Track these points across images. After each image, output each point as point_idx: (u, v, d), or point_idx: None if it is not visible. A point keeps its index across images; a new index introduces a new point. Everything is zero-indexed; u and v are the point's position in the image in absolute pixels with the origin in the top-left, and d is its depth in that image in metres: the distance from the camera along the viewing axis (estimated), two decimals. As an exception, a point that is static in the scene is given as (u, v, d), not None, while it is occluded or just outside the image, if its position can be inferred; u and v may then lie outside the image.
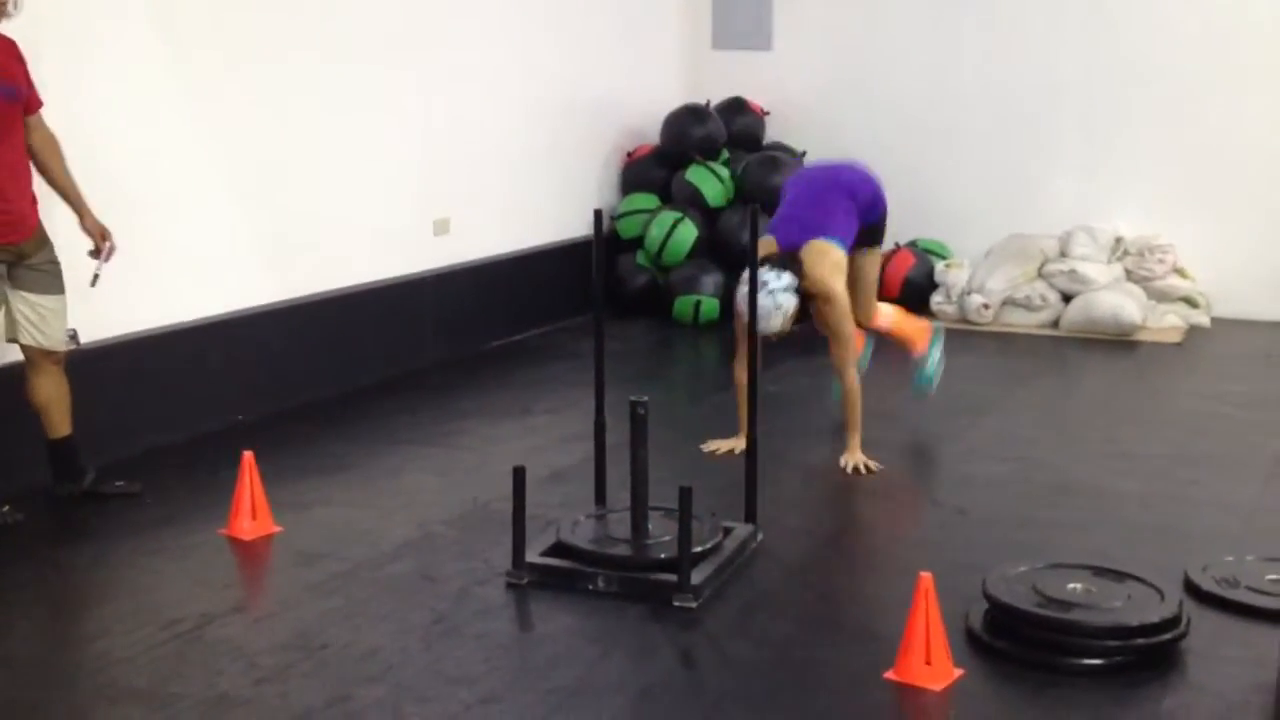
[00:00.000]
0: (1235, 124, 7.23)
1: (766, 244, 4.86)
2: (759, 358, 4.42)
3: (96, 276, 4.49)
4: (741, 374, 4.80)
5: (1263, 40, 7.14)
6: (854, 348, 4.97)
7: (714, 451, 5.01)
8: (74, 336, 4.74)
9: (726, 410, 5.25)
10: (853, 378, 4.91)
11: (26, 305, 4.32)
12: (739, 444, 4.77)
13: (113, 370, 4.93)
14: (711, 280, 7.24)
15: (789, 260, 4.75)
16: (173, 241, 5.20)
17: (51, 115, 4.61)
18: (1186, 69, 7.30)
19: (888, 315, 5.46)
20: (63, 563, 4.02)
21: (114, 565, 3.99)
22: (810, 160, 7.81)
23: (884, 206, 5.19)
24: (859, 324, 5.15)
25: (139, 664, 3.34)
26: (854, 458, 4.88)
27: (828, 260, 4.82)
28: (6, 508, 4.29)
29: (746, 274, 4.51)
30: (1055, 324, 7.20)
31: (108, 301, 4.91)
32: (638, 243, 7.54)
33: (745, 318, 4.49)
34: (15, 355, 4.48)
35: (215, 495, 4.42)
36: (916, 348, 5.48)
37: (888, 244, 7.67)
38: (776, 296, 4.64)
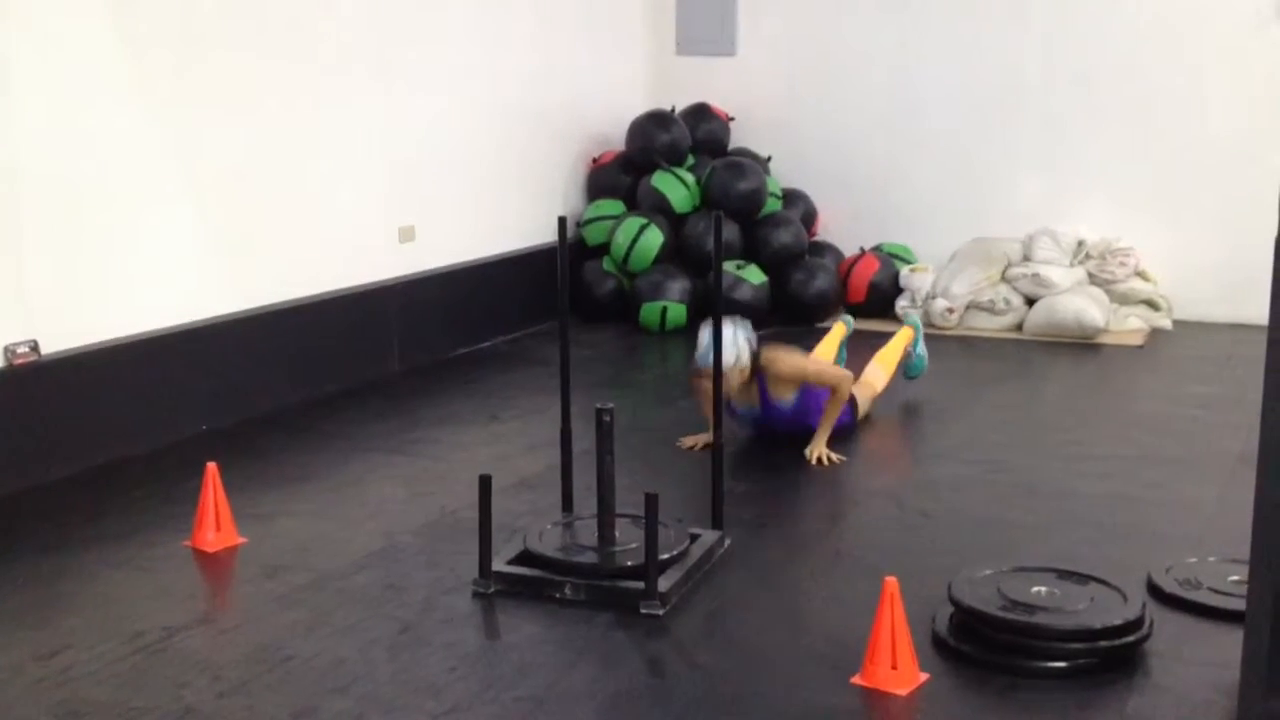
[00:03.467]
0: (1196, 127, 7.30)
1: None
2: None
3: None
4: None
5: (1223, 45, 7.20)
6: (846, 390, 5.07)
7: (692, 446, 5.07)
8: (35, 347, 4.72)
9: (694, 416, 5.26)
10: (847, 392, 5.09)
11: None
12: (705, 438, 4.92)
13: (74, 381, 4.89)
14: (678, 286, 7.25)
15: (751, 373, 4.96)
16: (135, 251, 5.17)
17: (13, 124, 4.59)
18: (1147, 73, 7.37)
19: (879, 376, 5.62)
20: (23, 576, 3.98)
21: (76, 578, 3.96)
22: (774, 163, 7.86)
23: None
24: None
25: (102, 677, 3.31)
26: (819, 449, 4.97)
27: (787, 360, 5.01)
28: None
29: (704, 327, 4.67)
30: (1019, 327, 7.25)
31: (69, 312, 4.89)
32: (604, 249, 7.54)
33: (699, 348, 4.78)
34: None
35: (179, 507, 4.40)
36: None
37: (853, 248, 7.78)
38: (739, 347, 4.82)
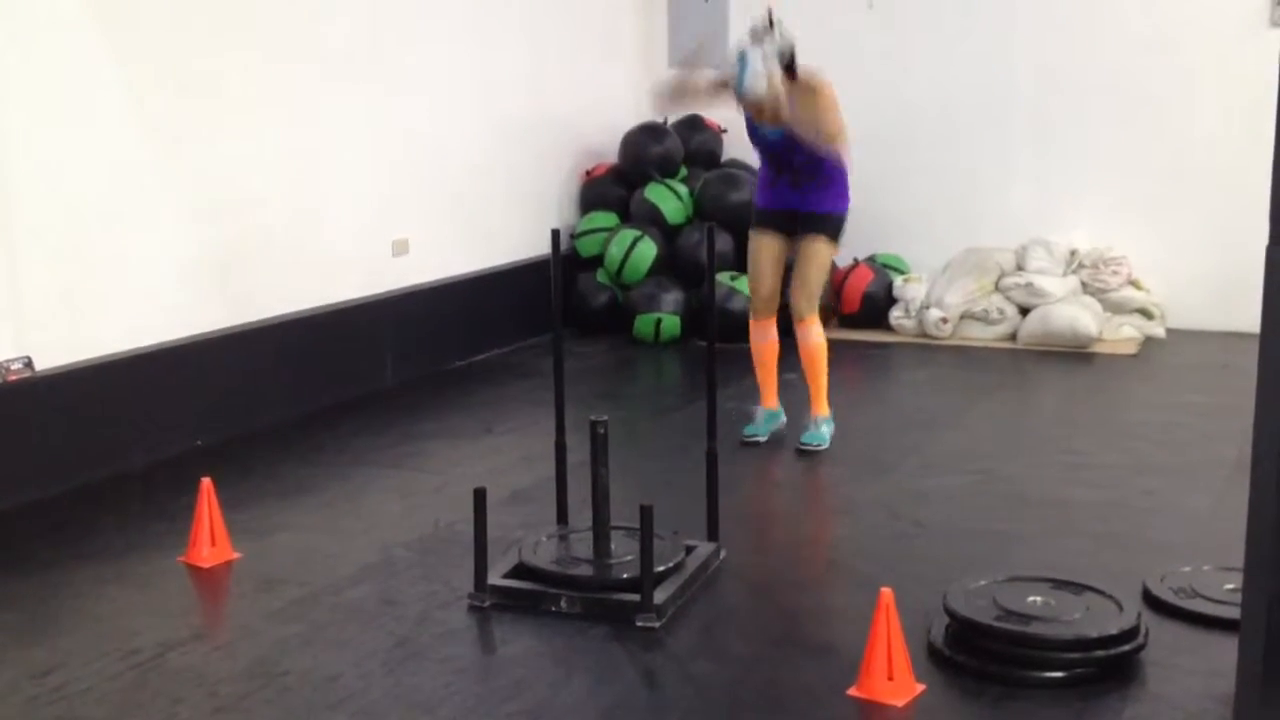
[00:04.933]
0: (1188, 135, 7.32)
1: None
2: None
3: None
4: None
5: (1213, 53, 7.22)
6: (843, 133, 5.11)
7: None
8: (29, 364, 4.72)
9: (688, 427, 5.25)
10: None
11: None
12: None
13: (68, 397, 4.89)
14: (672, 298, 7.26)
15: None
16: (129, 266, 5.17)
17: (7, 141, 4.60)
18: (1138, 82, 7.39)
19: (819, 342, 5.30)
20: (17, 592, 3.97)
21: (71, 594, 3.95)
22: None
23: (848, 204, 5.37)
24: (798, 310, 5.23)
25: (97, 694, 3.31)
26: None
27: (825, 86, 5.01)
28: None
29: (744, 53, 4.83)
30: (1013, 337, 7.25)
31: (63, 328, 4.89)
32: (597, 261, 7.55)
33: (735, 75, 4.84)
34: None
35: (173, 522, 4.39)
36: (817, 407, 5.36)
37: (846, 259, 7.79)
38: (768, 56, 4.81)
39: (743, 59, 4.83)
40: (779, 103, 4.89)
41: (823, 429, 5.30)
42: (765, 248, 5.31)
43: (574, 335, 7.18)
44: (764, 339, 5.42)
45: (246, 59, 5.63)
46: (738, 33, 8.14)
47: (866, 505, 4.76)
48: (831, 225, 5.25)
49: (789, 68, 4.91)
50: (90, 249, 5.01)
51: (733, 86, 4.94)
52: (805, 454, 5.23)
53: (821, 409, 5.33)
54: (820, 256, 5.24)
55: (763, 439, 5.39)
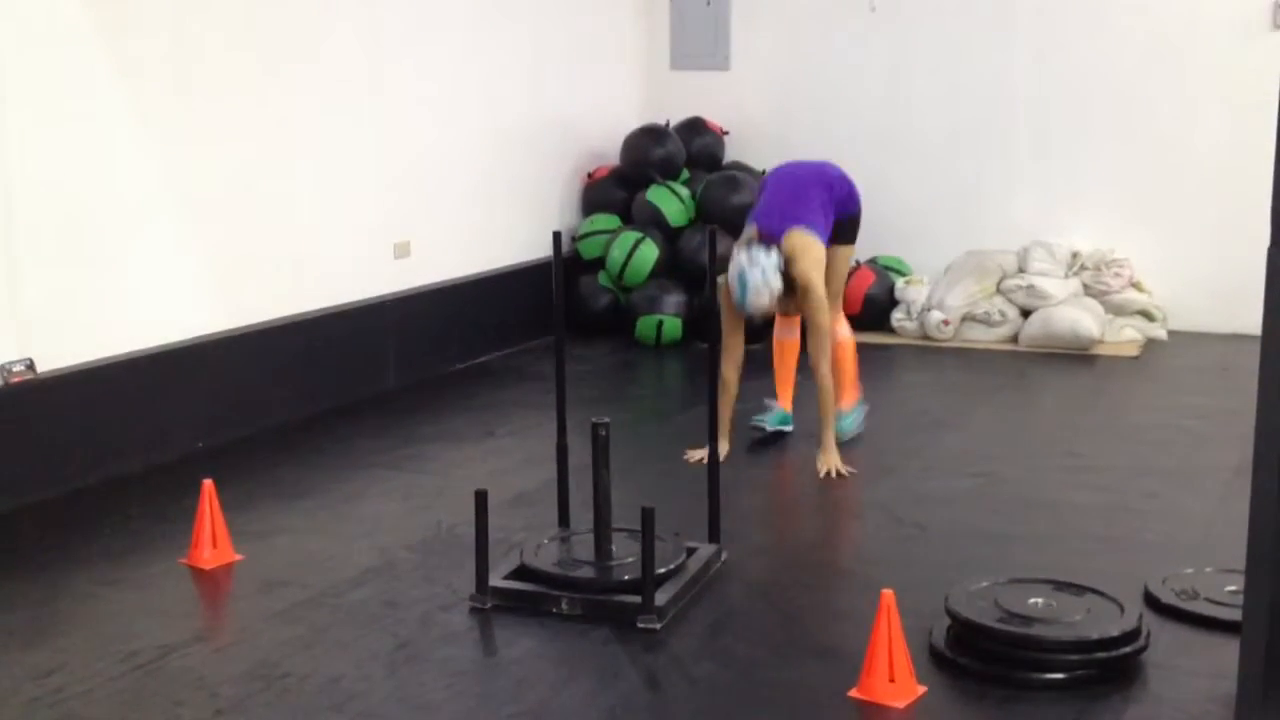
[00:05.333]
0: (1189, 137, 7.32)
1: (747, 232, 5.09)
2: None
3: None
4: (730, 372, 5.05)
5: (1215, 56, 7.22)
6: (829, 339, 5.08)
7: (700, 460, 4.98)
8: (31, 366, 4.72)
9: (689, 430, 5.25)
10: (826, 372, 5.02)
11: None
12: (723, 447, 4.88)
13: (70, 399, 4.89)
14: (674, 300, 7.25)
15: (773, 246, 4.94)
16: (131, 268, 5.17)
17: (9, 143, 4.60)
18: (1139, 84, 7.39)
19: (846, 338, 5.45)
20: (18, 594, 3.97)
21: (72, 596, 3.95)
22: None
23: (859, 204, 5.37)
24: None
25: (98, 696, 3.31)
26: (830, 460, 4.98)
27: (810, 255, 4.98)
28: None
29: (739, 252, 4.83)
30: (1014, 339, 7.25)
31: (65, 330, 4.89)
32: (599, 263, 7.54)
33: (735, 297, 4.83)
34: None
35: (175, 524, 4.39)
36: (842, 400, 5.39)
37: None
38: (767, 274, 4.82)
39: (742, 280, 4.82)
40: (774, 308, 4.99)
41: (845, 420, 5.37)
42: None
43: (575, 338, 7.17)
44: (785, 335, 5.48)
45: (249, 60, 5.63)
46: (738, 34, 8.18)
47: (868, 507, 4.76)
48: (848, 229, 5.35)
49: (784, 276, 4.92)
50: (92, 252, 5.01)
51: (733, 301, 4.94)
52: (763, 437, 5.38)
53: (845, 402, 5.41)
54: (840, 257, 5.29)
55: (767, 429, 5.41)
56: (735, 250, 4.95)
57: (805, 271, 4.95)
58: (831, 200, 5.20)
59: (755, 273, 4.81)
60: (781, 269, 4.89)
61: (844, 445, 5.20)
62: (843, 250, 5.31)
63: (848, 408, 5.45)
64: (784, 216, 5.07)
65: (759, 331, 5.65)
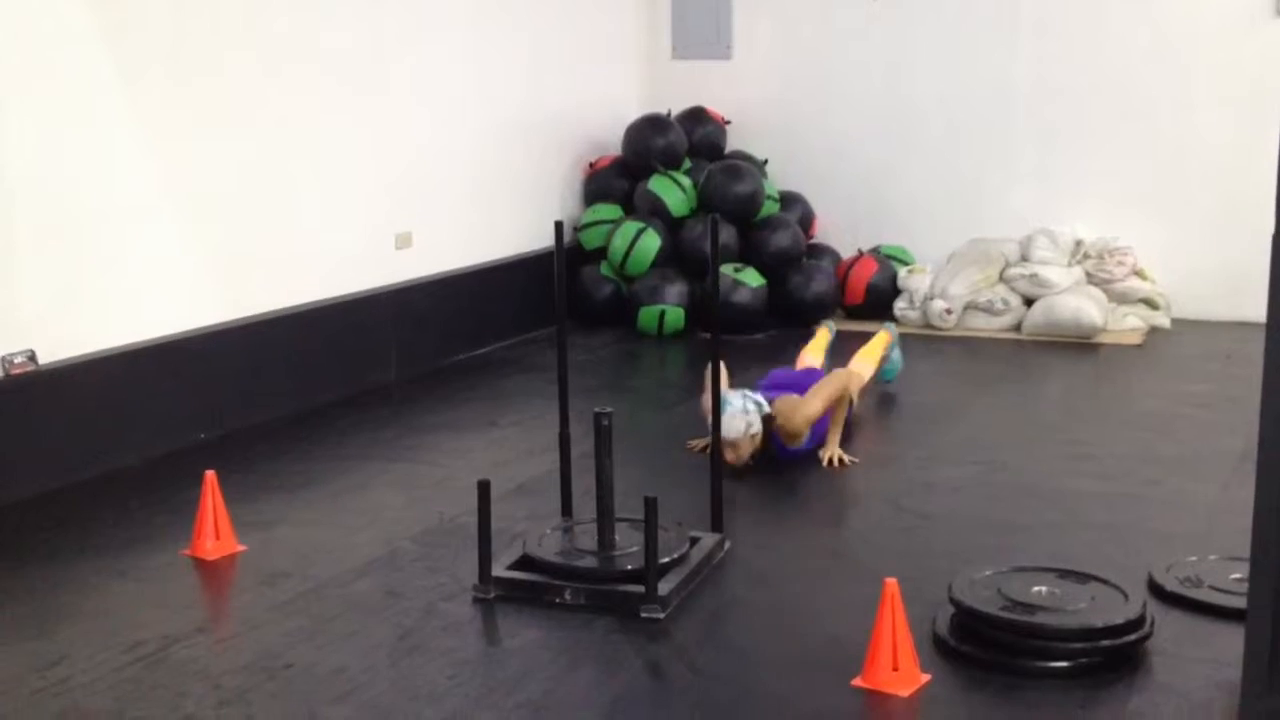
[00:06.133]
0: (1192, 124, 7.30)
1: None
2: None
3: None
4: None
5: (1217, 44, 7.20)
6: (854, 388, 5.23)
7: (703, 449, 4.97)
8: (32, 357, 4.72)
9: (692, 420, 5.25)
10: (846, 383, 5.11)
11: None
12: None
13: (72, 391, 4.88)
14: (675, 290, 7.24)
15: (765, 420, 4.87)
16: (131, 260, 5.16)
17: (8, 136, 4.59)
18: (1141, 71, 7.37)
19: (865, 368, 5.62)
20: (21, 586, 3.97)
21: (74, 588, 3.95)
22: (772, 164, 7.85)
23: None
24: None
25: (100, 688, 3.30)
26: (832, 450, 4.99)
27: (799, 413, 4.86)
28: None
29: (729, 407, 4.69)
30: (1017, 327, 7.24)
31: (66, 322, 4.88)
32: (601, 253, 7.54)
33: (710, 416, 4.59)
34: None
35: (177, 516, 4.39)
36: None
37: (850, 250, 7.78)
38: (749, 415, 4.74)
39: (725, 401, 4.67)
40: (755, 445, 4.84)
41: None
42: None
43: (577, 328, 7.17)
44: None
45: (249, 53, 5.62)
46: (740, 23, 8.16)
47: (871, 496, 4.75)
48: None
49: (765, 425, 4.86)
50: (94, 243, 5.01)
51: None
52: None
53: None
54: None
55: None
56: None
57: (798, 426, 4.82)
58: None
59: (737, 399, 4.74)
60: (765, 414, 4.82)
61: (847, 432, 5.19)
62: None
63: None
64: (778, 389, 5.08)
65: (776, 314, 5.56)
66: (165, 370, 5.26)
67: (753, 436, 4.80)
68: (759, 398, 4.86)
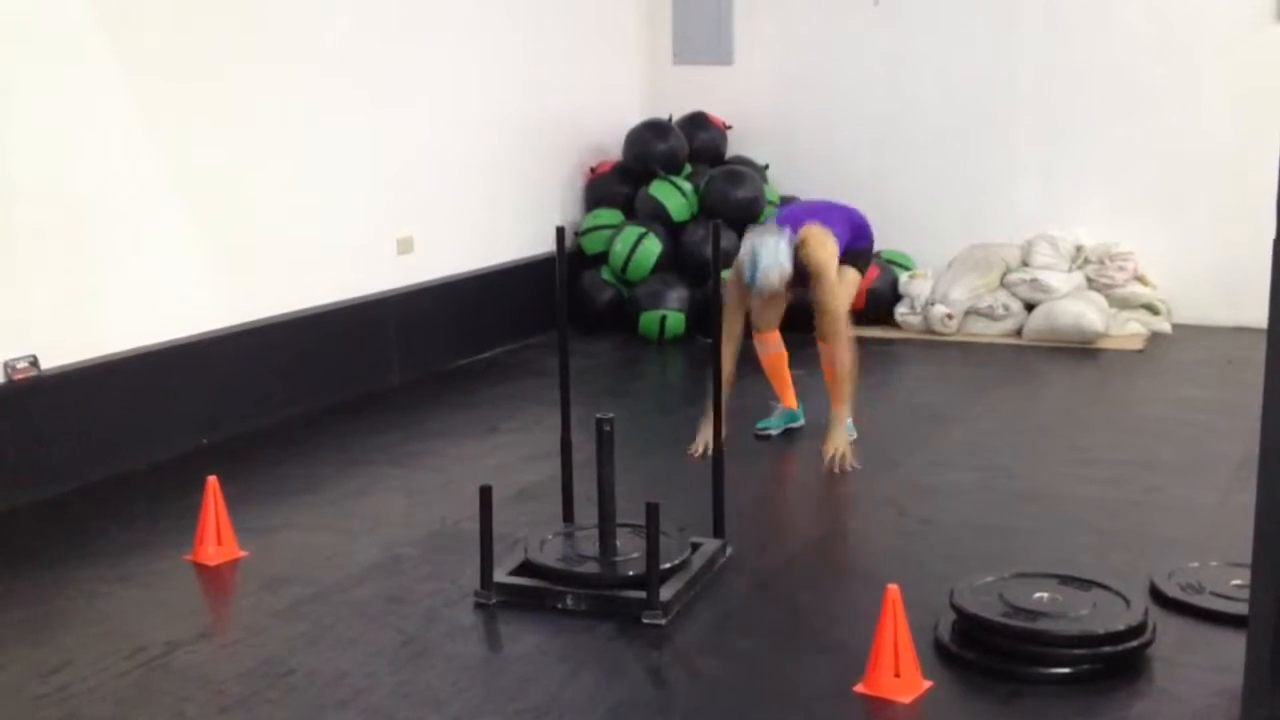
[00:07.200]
0: (1193, 130, 7.30)
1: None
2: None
3: None
4: (728, 361, 4.99)
5: (1218, 47, 7.21)
6: (845, 322, 5.14)
7: (703, 454, 4.89)
8: (34, 363, 4.72)
9: (693, 425, 5.24)
10: (845, 358, 5.07)
11: None
12: (706, 433, 4.87)
13: (74, 396, 4.89)
14: (676, 295, 7.25)
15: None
16: (134, 265, 5.17)
17: (12, 141, 4.60)
18: (1142, 77, 7.37)
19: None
20: (23, 591, 3.97)
21: (76, 593, 3.95)
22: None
23: (872, 241, 5.43)
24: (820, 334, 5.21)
25: (103, 693, 3.31)
26: (838, 440, 5.00)
27: (827, 248, 5.05)
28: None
29: (752, 236, 4.95)
30: (1018, 333, 7.24)
31: (69, 327, 4.89)
32: (602, 258, 7.54)
33: (745, 274, 4.89)
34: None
35: (179, 521, 4.39)
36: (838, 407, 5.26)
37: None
38: (779, 254, 4.90)
39: (754, 259, 4.89)
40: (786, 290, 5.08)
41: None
42: (766, 303, 5.28)
43: (578, 333, 7.17)
44: (770, 350, 5.46)
45: (250, 58, 5.62)
46: (741, 28, 8.17)
47: (873, 502, 4.75)
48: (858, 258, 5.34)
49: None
50: (95, 248, 5.01)
51: (744, 278, 4.98)
52: (761, 439, 5.35)
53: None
54: (847, 278, 5.25)
55: (774, 433, 5.40)
56: (747, 236, 5.05)
57: (819, 257, 5.01)
58: (849, 224, 5.26)
59: (768, 251, 4.88)
60: (793, 255, 4.95)
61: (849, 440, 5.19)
62: (850, 272, 5.30)
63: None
64: (802, 217, 5.18)
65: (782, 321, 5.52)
66: (167, 375, 5.26)
67: (782, 276, 4.94)
68: (784, 239, 4.95)
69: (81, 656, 3.51)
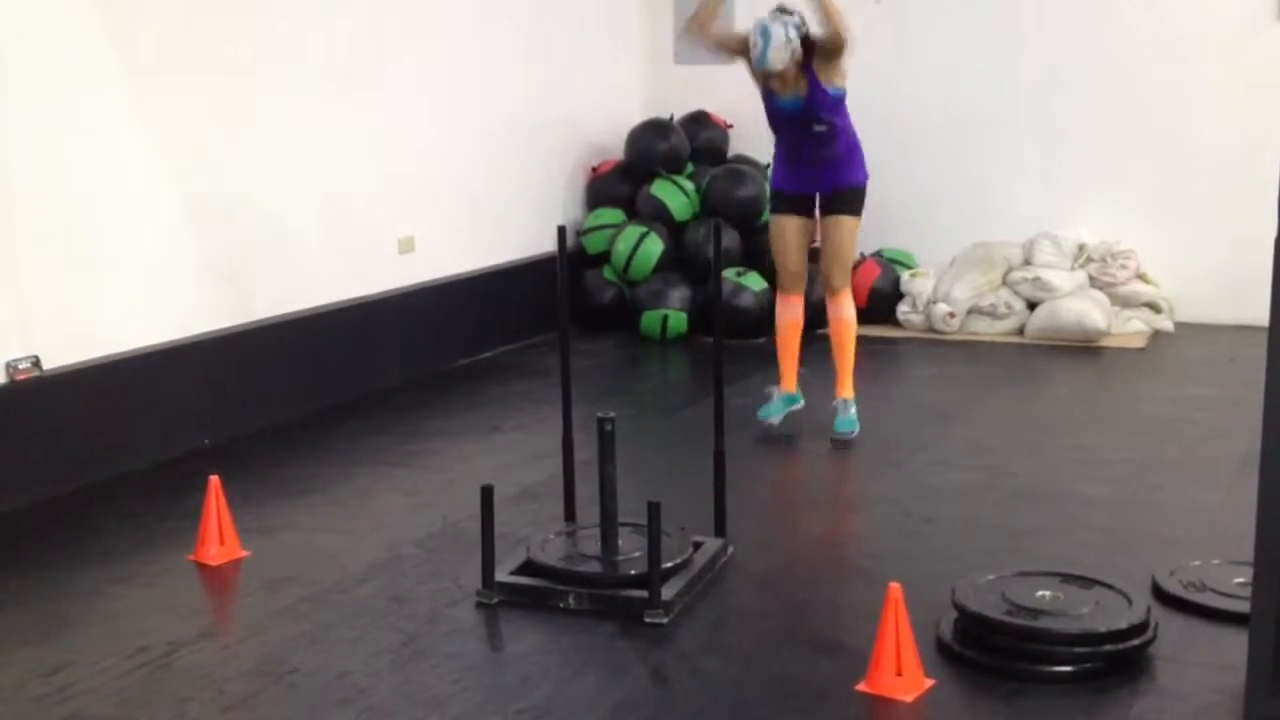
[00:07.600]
0: (1194, 128, 7.29)
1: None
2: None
3: None
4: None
5: (1218, 46, 7.20)
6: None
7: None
8: (36, 363, 4.72)
9: (696, 424, 5.24)
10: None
11: None
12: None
13: (76, 396, 4.89)
14: (678, 294, 7.25)
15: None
16: (135, 265, 5.17)
17: (12, 141, 4.60)
18: (1144, 75, 7.36)
19: (851, 317, 5.42)
20: (25, 591, 3.97)
21: (78, 593, 3.95)
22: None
23: (866, 173, 5.49)
24: (832, 284, 5.37)
25: (105, 693, 3.31)
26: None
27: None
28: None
29: (766, 27, 5.02)
30: (1020, 331, 7.24)
31: (71, 327, 4.89)
32: (604, 258, 7.54)
33: (758, 48, 5.01)
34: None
35: (181, 521, 4.39)
36: (842, 388, 5.39)
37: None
38: (789, 31, 5.00)
39: (765, 33, 4.99)
40: (796, 65, 5.11)
41: (851, 411, 5.35)
42: (788, 228, 5.42)
43: (580, 332, 7.17)
44: (791, 315, 5.48)
45: (252, 58, 5.62)
46: (742, 26, 8.16)
47: (875, 500, 4.75)
48: (854, 199, 5.38)
49: (805, 45, 5.08)
50: (97, 249, 5.01)
51: (754, 58, 5.08)
52: (841, 445, 5.26)
53: (846, 390, 5.38)
54: (848, 229, 5.36)
55: (776, 422, 5.39)
56: (757, 21, 5.09)
57: (841, 31, 5.02)
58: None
59: (779, 27, 4.98)
60: (802, 33, 5.05)
61: (851, 439, 5.19)
62: (848, 222, 5.35)
63: (848, 396, 5.40)
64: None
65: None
66: (169, 376, 5.26)
67: (794, 54, 5.04)
68: (794, 17, 5.05)
69: (83, 656, 3.51)
